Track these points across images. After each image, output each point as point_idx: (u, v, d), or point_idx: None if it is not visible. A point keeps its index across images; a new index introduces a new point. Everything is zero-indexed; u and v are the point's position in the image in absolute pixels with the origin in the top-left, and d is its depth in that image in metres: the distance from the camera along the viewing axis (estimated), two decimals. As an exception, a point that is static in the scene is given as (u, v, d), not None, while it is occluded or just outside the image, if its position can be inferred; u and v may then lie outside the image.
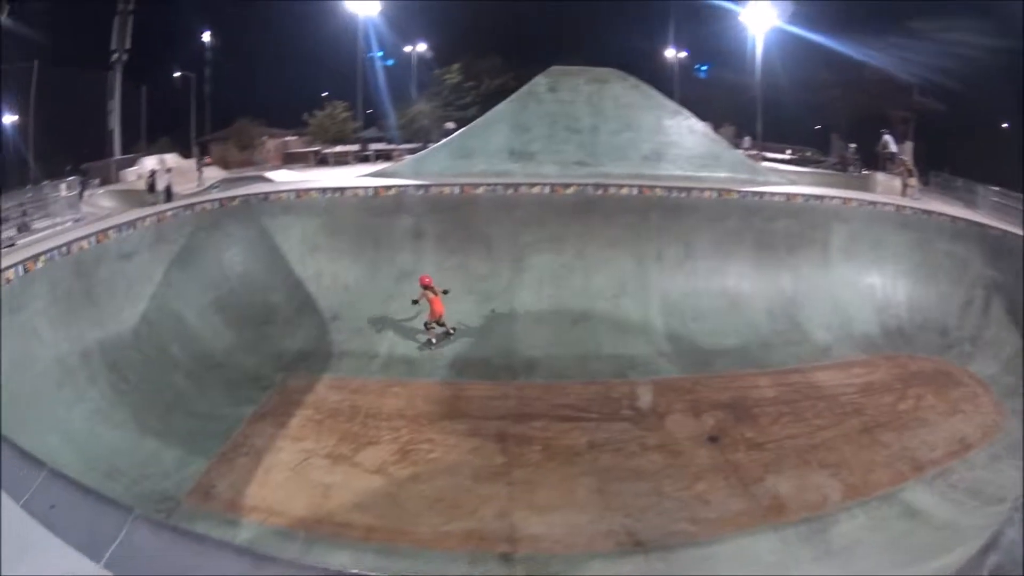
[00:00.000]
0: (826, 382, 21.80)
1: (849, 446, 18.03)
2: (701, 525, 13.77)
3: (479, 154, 26.83)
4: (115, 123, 50.16)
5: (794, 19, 49.75)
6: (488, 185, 24.78)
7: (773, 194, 28.28)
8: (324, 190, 25.39)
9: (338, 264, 24.16)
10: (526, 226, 24.54)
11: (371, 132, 54.57)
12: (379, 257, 23.97)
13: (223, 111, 57.54)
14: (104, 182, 36.79)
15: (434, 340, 21.73)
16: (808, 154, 49.93)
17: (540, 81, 28.23)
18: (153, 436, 16.35)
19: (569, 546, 12.97)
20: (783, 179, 31.63)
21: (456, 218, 24.31)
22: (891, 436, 19.00)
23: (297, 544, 12.77)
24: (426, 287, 21.49)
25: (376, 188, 24.35)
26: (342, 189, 25.43)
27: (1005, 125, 55.46)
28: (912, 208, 29.53)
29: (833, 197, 29.28)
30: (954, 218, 28.87)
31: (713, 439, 17.26)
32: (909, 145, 41.24)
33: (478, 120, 28.34)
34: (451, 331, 21.95)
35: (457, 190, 24.64)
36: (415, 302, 21.70)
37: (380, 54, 56.30)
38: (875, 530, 14.98)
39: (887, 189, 33.84)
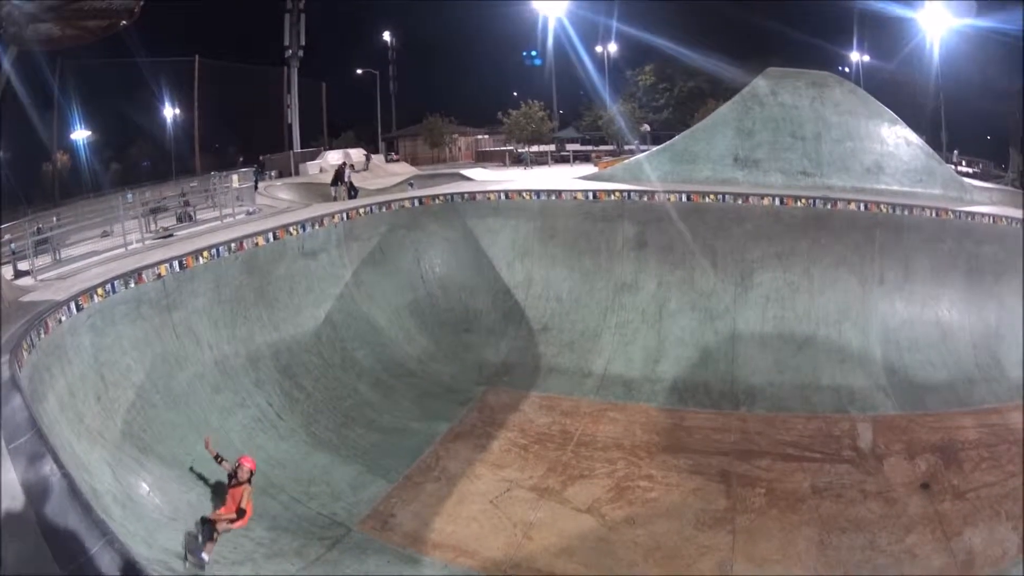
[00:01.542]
0: (1019, 424, 20.68)
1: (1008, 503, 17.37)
2: None
3: (703, 160, 25.92)
4: (293, 117, 51.53)
5: (977, 15, 46.97)
6: (716, 194, 23.77)
7: (983, 215, 26.75)
8: (538, 192, 24.69)
9: (551, 272, 23.39)
10: (754, 240, 23.45)
11: (567, 132, 54.14)
12: (597, 266, 23.01)
13: (408, 108, 58.43)
14: (282, 175, 37.42)
15: None
16: (992, 168, 47.92)
17: (760, 83, 27.06)
18: (326, 450, 15.72)
19: None
20: (986, 198, 30.22)
21: (681, 228, 23.27)
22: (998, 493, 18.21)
23: (492, 593, 11.86)
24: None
25: (596, 192, 23.46)
26: (558, 192, 24.62)
27: None
28: None
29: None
30: None
31: (925, 486, 16.69)
32: None
33: (701, 123, 27.23)
34: None
35: (684, 198, 23.68)
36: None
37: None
38: None
39: None
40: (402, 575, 12.11)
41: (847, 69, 56.88)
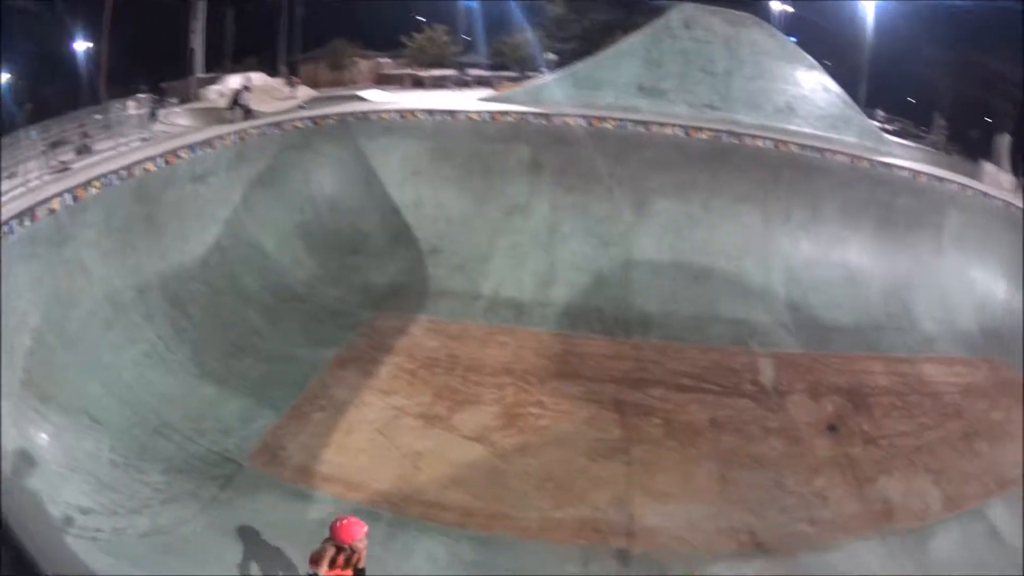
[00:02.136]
0: (932, 377, 21.19)
1: (950, 452, 17.67)
2: (818, 527, 13.36)
3: (607, 86, 24.92)
4: (197, 43, 50.09)
5: None
6: (617, 120, 22.99)
7: (900, 168, 26.93)
8: (432, 112, 23.55)
9: (442, 192, 22.30)
10: (654, 169, 22.79)
11: (470, 58, 53.04)
12: (489, 188, 22.02)
13: (315, 33, 57.35)
14: (183, 101, 35.97)
15: None
16: (911, 127, 48.18)
17: (674, 16, 26.24)
18: (214, 383, 14.87)
19: (689, 544, 12.11)
20: (905, 154, 29.96)
21: (578, 153, 22.39)
22: (984, 446, 18.69)
23: (380, 527, 10.95)
24: None
25: (492, 113, 22.51)
26: (453, 112, 23.52)
27: None
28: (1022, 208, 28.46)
29: (952, 181, 28.03)
30: None
31: (832, 428, 16.62)
32: (1006, 138, 39.45)
33: (607, 50, 26.46)
34: None
35: (583, 122, 22.78)
36: None
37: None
38: (967, 547, 14.52)
39: (993, 182, 31.88)
40: (292, 512, 11.51)
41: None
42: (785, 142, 25.03)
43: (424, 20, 52.20)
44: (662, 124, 23.28)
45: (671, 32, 25.86)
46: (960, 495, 15.91)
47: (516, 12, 54.38)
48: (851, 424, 17.06)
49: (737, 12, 27.08)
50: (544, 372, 16.17)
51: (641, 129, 23.02)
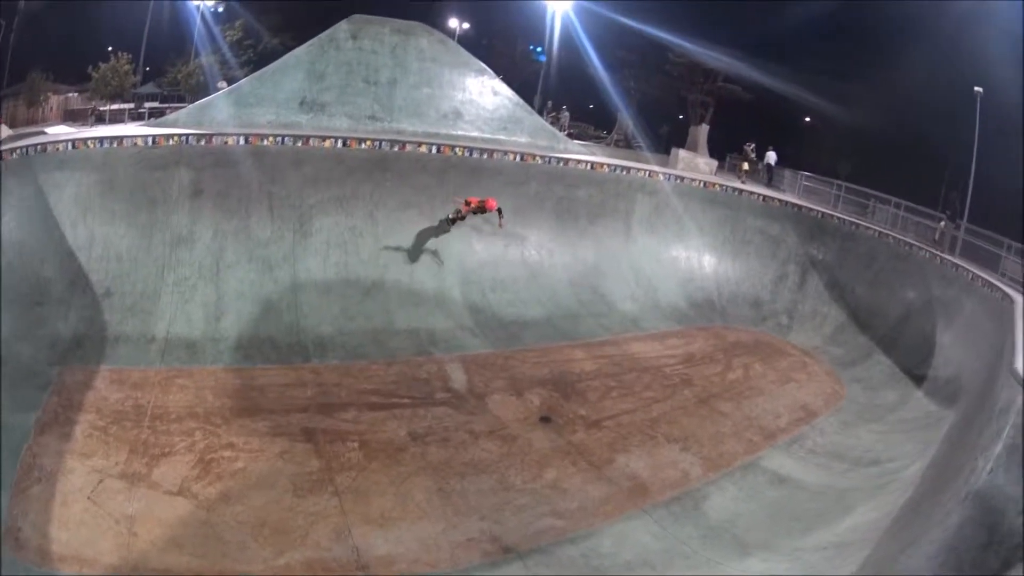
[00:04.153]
0: (644, 353, 22.68)
1: (689, 418, 18.66)
2: (567, 518, 13.40)
3: (268, 102, 24.38)
4: None
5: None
6: (275, 137, 22.68)
7: (578, 161, 28.52)
8: (101, 140, 21.68)
9: (111, 228, 20.53)
10: (313, 184, 22.85)
11: (148, 88, 50.76)
12: (154, 220, 20.81)
13: (17, 67, 53.38)
14: None
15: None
16: (591, 130, 53.36)
17: (342, 27, 26.21)
18: None
19: (431, 565, 11.80)
20: (584, 148, 31.83)
21: (238, 174, 21.85)
22: (729, 406, 20.01)
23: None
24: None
25: (155, 138, 21.42)
26: (120, 139, 21.80)
27: (807, 119, 61.64)
28: (721, 185, 31.34)
29: (640, 169, 30.14)
30: (766, 197, 30.92)
31: (545, 419, 17.11)
32: (704, 128, 44.35)
33: (271, 64, 25.89)
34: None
35: (242, 141, 22.21)
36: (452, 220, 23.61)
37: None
38: (751, 499, 15.27)
39: (689, 166, 35.34)
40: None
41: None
42: (450, 146, 25.85)
43: (111, 49, 49.93)
44: (322, 138, 23.35)
45: (336, 44, 25.94)
46: (719, 455, 16.95)
47: (197, 37, 52.87)
48: (565, 413, 17.60)
49: (408, 21, 27.50)
50: (228, 411, 15.45)
51: (299, 144, 22.95)
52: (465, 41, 54.22)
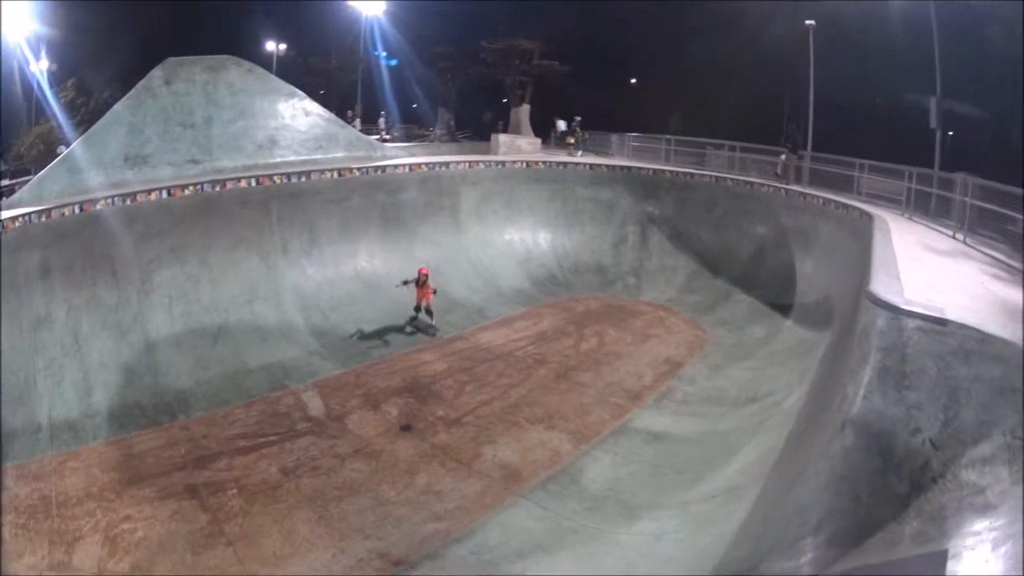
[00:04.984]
0: (493, 341, 23.65)
1: (550, 396, 19.43)
2: (448, 519, 13.81)
3: (96, 165, 24.09)
4: None
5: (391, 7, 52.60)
6: (107, 199, 22.50)
7: (396, 167, 29.70)
8: None
9: None
10: (147, 240, 23.01)
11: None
12: (15, 306, 20.07)
13: None
14: None
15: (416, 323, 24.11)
16: (416, 130, 54.25)
17: (156, 74, 26.10)
18: None
19: None
20: (404, 152, 33.39)
21: (79, 244, 21.62)
22: (588, 376, 20.85)
23: None
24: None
25: (4, 221, 20.80)
26: None
27: (633, 80, 65.79)
28: (544, 162, 33.06)
29: (459, 162, 31.60)
30: (592, 165, 32.80)
31: (406, 428, 17.64)
32: (525, 108, 46.07)
33: (95, 126, 25.51)
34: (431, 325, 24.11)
35: (77, 210, 21.98)
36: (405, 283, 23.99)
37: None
38: (628, 463, 15.90)
39: (511, 149, 37.22)
40: None
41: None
42: (268, 176, 26.37)
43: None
44: (149, 191, 23.25)
45: (152, 92, 25.76)
46: (586, 426, 17.51)
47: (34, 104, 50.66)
48: (424, 417, 18.17)
49: (217, 57, 27.61)
50: (117, 485, 15.69)
51: (128, 202, 22.83)
52: (286, 62, 55.89)
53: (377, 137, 43.24)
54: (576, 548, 12.93)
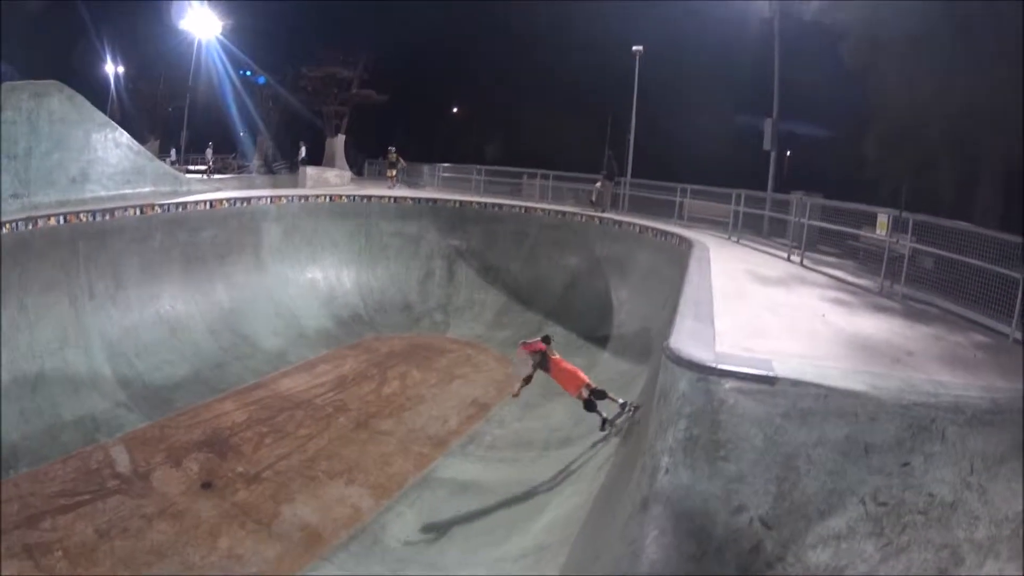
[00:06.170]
0: (294, 388, 23.00)
1: (349, 447, 18.90)
2: None
3: None
4: None
5: (229, 31, 51.29)
6: None
7: (197, 203, 29.26)
8: None
9: None
10: None
11: None
12: None
13: None
14: None
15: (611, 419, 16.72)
16: (232, 160, 53.11)
17: None
18: None
19: None
20: (210, 187, 32.82)
21: None
22: (390, 423, 20.40)
23: None
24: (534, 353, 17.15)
25: None
26: None
27: (455, 110, 66.52)
28: (349, 196, 33.18)
29: (261, 197, 31.26)
30: (397, 199, 33.48)
31: (207, 485, 17.01)
32: (340, 139, 47.08)
33: None
34: (624, 405, 16.59)
35: None
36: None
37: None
38: (432, 519, 15.34)
39: (318, 182, 37.45)
40: None
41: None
42: (76, 214, 24.86)
43: None
44: None
45: None
46: (388, 479, 17.09)
47: None
48: (224, 473, 17.45)
49: (44, 82, 26.10)
50: None
51: None
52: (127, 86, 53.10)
53: (204, 168, 42.80)
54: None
